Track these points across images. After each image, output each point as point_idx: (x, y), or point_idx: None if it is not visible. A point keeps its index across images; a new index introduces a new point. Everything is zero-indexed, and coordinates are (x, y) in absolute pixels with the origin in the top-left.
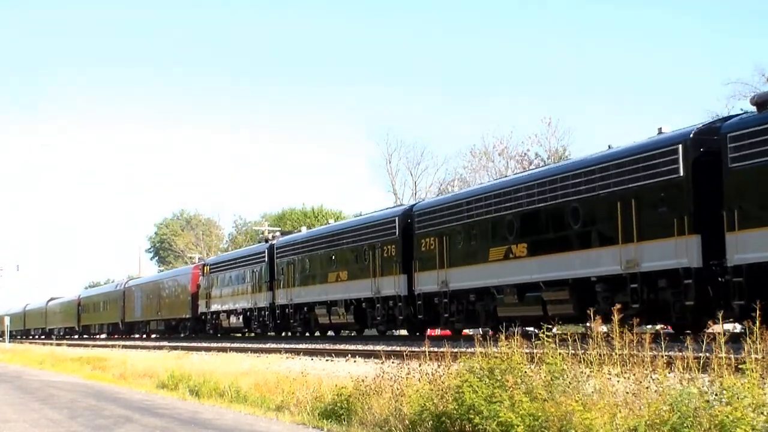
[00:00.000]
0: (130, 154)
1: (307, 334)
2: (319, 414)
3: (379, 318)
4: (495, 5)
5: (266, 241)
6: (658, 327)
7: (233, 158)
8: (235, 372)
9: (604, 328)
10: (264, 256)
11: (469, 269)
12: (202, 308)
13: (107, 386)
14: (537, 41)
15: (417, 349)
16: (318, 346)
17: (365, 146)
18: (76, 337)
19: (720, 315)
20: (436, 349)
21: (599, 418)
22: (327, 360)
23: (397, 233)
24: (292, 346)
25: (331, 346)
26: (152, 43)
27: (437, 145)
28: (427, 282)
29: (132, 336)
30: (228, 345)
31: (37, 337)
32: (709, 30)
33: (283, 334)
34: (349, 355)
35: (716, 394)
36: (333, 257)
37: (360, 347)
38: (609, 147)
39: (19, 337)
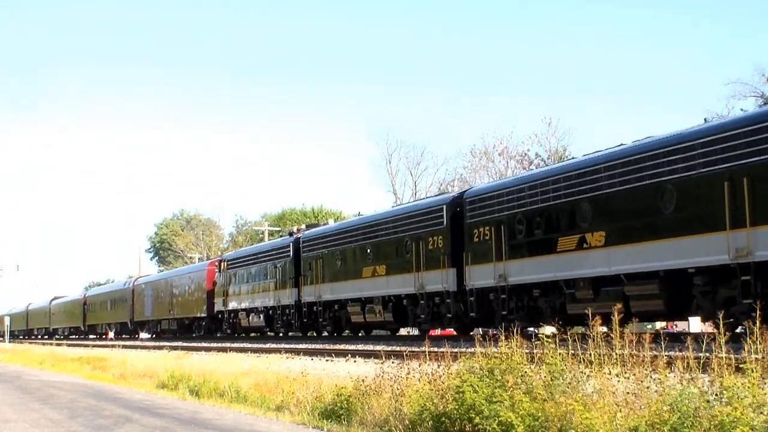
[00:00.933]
0: (130, 154)
1: (337, 333)
2: (319, 414)
3: (423, 316)
4: (495, 5)
5: (290, 234)
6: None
7: (233, 158)
8: (235, 372)
9: (604, 328)
10: (289, 251)
11: (533, 261)
12: (218, 306)
13: (107, 386)
14: (537, 41)
15: (417, 349)
16: (318, 346)
17: (365, 146)
18: (82, 337)
19: (720, 315)
20: (436, 349)
21: (599, 418)
22: (327, 360)
23: (445, 223)
24: (292, 346)
25: (331, 346)
26: (152, 43)
27: (437, 145)
28: (482, 276)
29: (140, 335)
30: (228, 345)
31: (40, 337)
32: (709, 30)
33: (309, 333)
34: (349, 355)
35: (716, 394)
36: (369, 250)
37: (360, 347)
38: (705, 120)
39: (21, 337)
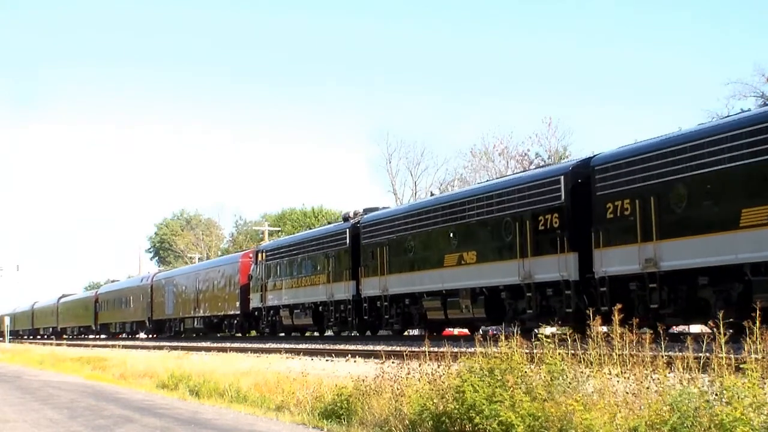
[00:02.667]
0: (130, 154)
1: (407, 332)
2: (319, 414)
3: (530, 311)
4: (495, 5)
5: (346, 219)
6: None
7: (233, 158)
8: (235, 372)
9: (604, 328)
10: (344, 238)
11: (695, 241)
12: (254, 303)
13: (107, 386)
14: (537, 41)
15: (417, 349)
16: (318, 346)
17: (365, 146)
18: (92, 337)
19: (720, 314)
20: (436, 349)
21: (599, 418)
22: (327, 360)
23: (562, 197)
24: (293, 346)
25: (331, 347)
26: (152, 42)
27: (437, 145)
28: (618, 261)
29: (161, 335)
30: (228, 345)
31: (47, 337)
32: (709, 30)
33: (369, 333)
34: (349, 355)
35: (716, 394)
36: (452, 234)
37: (360, 347)
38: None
39: (26, 336)
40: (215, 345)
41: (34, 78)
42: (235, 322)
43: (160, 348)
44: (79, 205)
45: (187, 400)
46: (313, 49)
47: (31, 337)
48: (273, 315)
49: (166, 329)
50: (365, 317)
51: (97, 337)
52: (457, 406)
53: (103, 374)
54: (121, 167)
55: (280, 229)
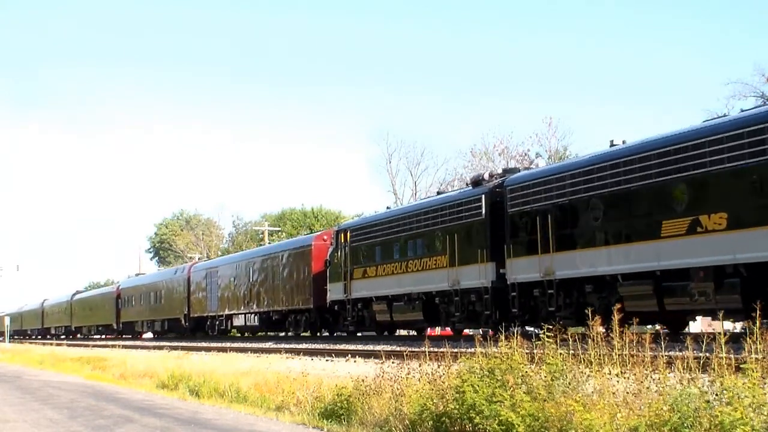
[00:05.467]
0: (130, 154)
1: (583, 331)
2: (319, 414)
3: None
4: (495, 5)
5: (476, 183)
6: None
7: (233, 158)
8: (235, 372)
9: (603, 329)
10: (479, 207)
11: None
12: (334, 294)
13: (107, 386)
14: (537, 41)
15: (417, 349)
16: (318, 346)
17: (365, 146)
18: (112, 336)
19: (720, 314)
20: (436, 349)
21: (599, 418)
22: (327, 360)
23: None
24: (293, 346)
25: (331, 347)
26: (152, 42)
27: (437, 145)
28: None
29: (200, 335)
30: (228, 345)
31: (61, 337)
32: (709, 30)
33: (517, 328)
34: (349, 355)
35: (716, 394)
36: (680, 191)
37: (360, 347)
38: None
39: (36, 336)
40: (215, 345)
41: (34, 78)
42: (305, 318)
43: (160, 348)
44: (79, 205)
45: (187, 400)
46: (313, 49)
47: (40, 337)
48: (361, 309)
49: (207, 328)
50: (513, 309)
51: (119, 337)
52: (457, 406)
53: (103, 374)
54: (121, 167)
55: (280, 229)
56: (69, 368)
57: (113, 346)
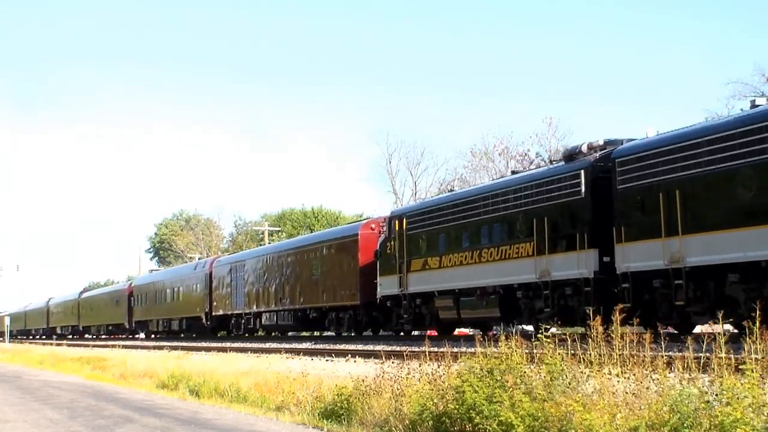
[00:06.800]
0: (130, 154)
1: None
2: (319, 414)
3: None
4: (495, 5)
5: (570, 158)
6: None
7: (233, 158)
8: (235, 372)
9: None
10: (577, 184)
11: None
12: (386, 288)
13: (107, 386)
14: (537, 41)
15: (417, 349)
16: (318, 346)
17: (365, 146)
18: (122, 336)
19: (720, 314)
20: (436, 349)
21: (599, 418)
22: (327, 360)
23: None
24: (293, 346)
25: (331, 347)
26: (152, 42)
27: (437, 145)
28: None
29: (226, 336)
30: (228, 345)
31: (67, 337)
32: (709, 30)
33: (631, 327)
34: (349, 355)
35: (716, 395)
36: None
37: (360, 347)
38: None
39: (40, 336)
40: (215, 345)
41: (35, 78)
42: (347, 316)
43: (160, 348)
44: (79, 205)
45: (187, 400)
46: (313, 49)
47: (45, 337)
48: (420, 305)
49: (231, 327)
50: (627, 304)
51: (131, 336)
52: (457, 407)
53: (103, 374)
54: (121, 167)
55: (280, 229)
56: (69, 368)
57: (113, 346)
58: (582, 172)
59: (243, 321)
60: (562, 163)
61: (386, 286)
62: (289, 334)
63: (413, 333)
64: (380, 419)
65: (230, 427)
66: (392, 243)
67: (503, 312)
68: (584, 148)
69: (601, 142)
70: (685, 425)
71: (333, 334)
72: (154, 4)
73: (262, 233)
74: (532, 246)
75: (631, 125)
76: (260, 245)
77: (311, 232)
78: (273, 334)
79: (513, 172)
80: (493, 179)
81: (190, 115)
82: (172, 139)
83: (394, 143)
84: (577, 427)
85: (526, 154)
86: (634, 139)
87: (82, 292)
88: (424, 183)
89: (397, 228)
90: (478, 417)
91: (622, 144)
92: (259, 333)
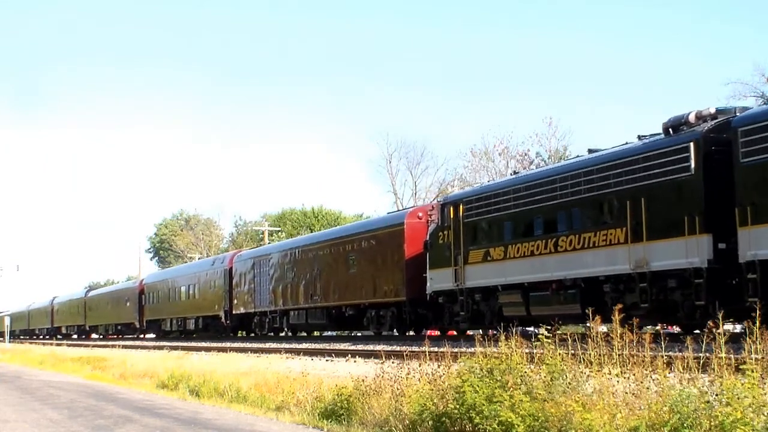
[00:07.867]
0: (130, 154)
1: None
2: (319, 414)
3: None
4: (496, 5)
5: (674, 129)
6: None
7: (233, 158)
8: (235, 372)
9: (603, 328)
10: (687, 159)
11: None
12: (439, 283)
13: (107, 386)
14: (537, 41)
15: (417, 349)
16: (318, 346)
17: (365, 146)
18: (132, 337)
19: (720, 315)
20: (436, 349)
21: (599, 418)
22: (327, 360)
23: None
24: (293, 346)
25: (331, 347)
26: (153, 42)
27: (437, 145)
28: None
29: (255, 337)
30: (228, 345)
31: (73, 337)
32: (709, 30)
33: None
34: (349, 355)
35: (716, 395)
36: None
37: (360, 347)
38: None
39: (44, 336)
40: (215, 345)
41: (35, 78)
42: (389, 313)
43: (160, 348)
44: (79, 206)
45: (187, 400)
46: (313, 49)
47: (48, 337)
48: (479, 300)
49: (254, 326)
50: (751, 299)
51: (142, 337)
52: (457, 407)
53: (103, 374)
54: (121, 167)
55: (280, 229)
56: (69, 368)
57: (113, 346)
58: (692, 144)
59: (268, 320)
60: (661, 135)
61: (438, 280)
62: (318, 333)
63: (468, 333)
64: (380, 419)
65: (230, 427)
66: (445, 232)
67: (584, 308)
68: (691, 118)
69: (712, 110)
70: (685, 425)
71: (372, 333)
72: (153, 3)
73: (262, 233)
74: (624, 232)
75: (631, 125)
76: (260, 245)
77: (311, 232)
78: (297, 333)
79: (590, 151)
80: (569, 158)
81: (190, 115)
82: (171, 139)
83: (394, 143)
84: (577, 427)
85: (526, 154)
86: (749, 108)
87: (88, 291)
88: (424, 183)
89: (452, 215)
90: (478, 417)
91: (734, 114)
92: (287, 333)
